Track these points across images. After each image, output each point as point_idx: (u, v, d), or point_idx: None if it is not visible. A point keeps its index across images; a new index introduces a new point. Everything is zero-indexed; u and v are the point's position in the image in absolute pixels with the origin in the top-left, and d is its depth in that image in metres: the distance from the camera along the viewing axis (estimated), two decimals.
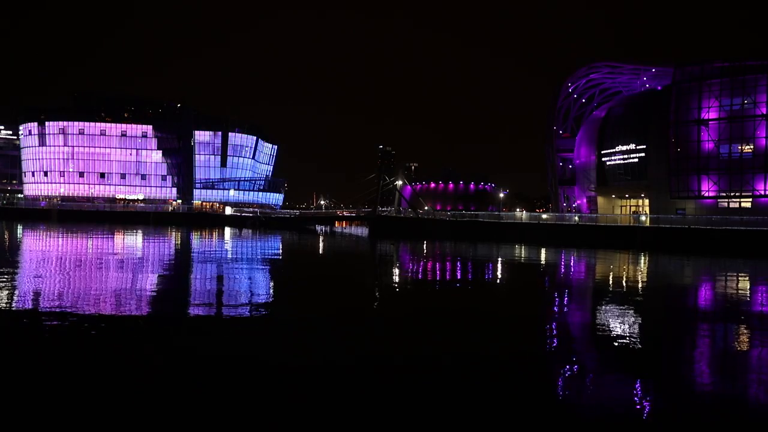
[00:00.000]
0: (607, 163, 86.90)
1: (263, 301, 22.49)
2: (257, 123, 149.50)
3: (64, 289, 22.89)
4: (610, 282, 31.11)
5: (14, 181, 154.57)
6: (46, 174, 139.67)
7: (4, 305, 19.07)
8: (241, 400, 10.33)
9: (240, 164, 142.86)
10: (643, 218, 65.97)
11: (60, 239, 56.18)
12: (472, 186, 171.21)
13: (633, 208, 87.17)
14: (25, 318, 17.24)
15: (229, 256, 42.55)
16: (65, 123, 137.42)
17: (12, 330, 15.69)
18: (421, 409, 10.21)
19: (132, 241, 55.76)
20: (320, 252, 51.31)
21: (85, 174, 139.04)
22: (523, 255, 48.56)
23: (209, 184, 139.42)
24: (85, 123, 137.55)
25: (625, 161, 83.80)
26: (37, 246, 47.91)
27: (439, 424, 9.62)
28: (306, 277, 32.11)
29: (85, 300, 20.37)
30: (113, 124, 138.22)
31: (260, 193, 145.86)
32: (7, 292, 21.80)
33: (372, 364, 13.02)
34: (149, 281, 26.76)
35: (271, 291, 25.46)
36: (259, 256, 42.84)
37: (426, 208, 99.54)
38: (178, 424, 9.41)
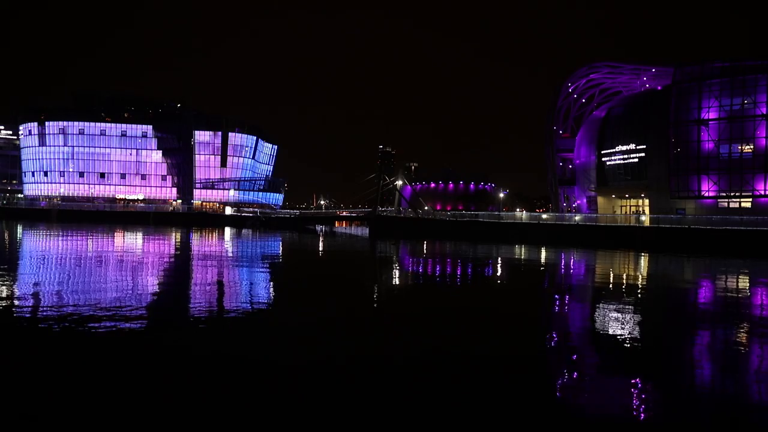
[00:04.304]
0: (607, 163, 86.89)
1: (263, 300, 22.49)
2: (257, 123, 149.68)
3: (63, 289, 22.89)
4: (610, 282, 31.10)
5: (14, 181, 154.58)
6: (46, 174, 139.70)
7: (2, 305, 19.06)
8: (240, 397, 10.34)
9: (240, 164, 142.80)
10: (643, 218, 65.95)
11: (60, 239, 56.17)
12: (472, 186, 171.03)
13: (633, 208, 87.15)
14: (23, 318, 17.23)
15: (230, 256, 42.54)
16: (65, 123, 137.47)
17: (11, 330, 15.69)
18: (421, 407, 10.21)
19: (132, 241, 55.75)
20: (320, 252, 51.31)
21: (85, 174, 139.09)
22: (523, 255, 48.55)
23: (209, 184, 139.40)
24: (85, 123, 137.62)
25: (625, 161, 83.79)
26: (37, 246, 47.91)
27: (439, 421, 9.63)
28: (306, 276, 32.10)
29: (85, 299, 20.35)
30: (113, 124, 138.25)
31: (260, 193, 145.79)
32: (6, 291, 21.80)
33: (372, 363, 13.02)
34: (149, 281, 26.76)
35: (271, 290, 25.46)
36: (259, 256, 42.83)
37: (426, 208, 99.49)
38: (178, 423, 9.42)
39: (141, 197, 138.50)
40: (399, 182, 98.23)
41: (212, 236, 69.80)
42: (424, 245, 58.42)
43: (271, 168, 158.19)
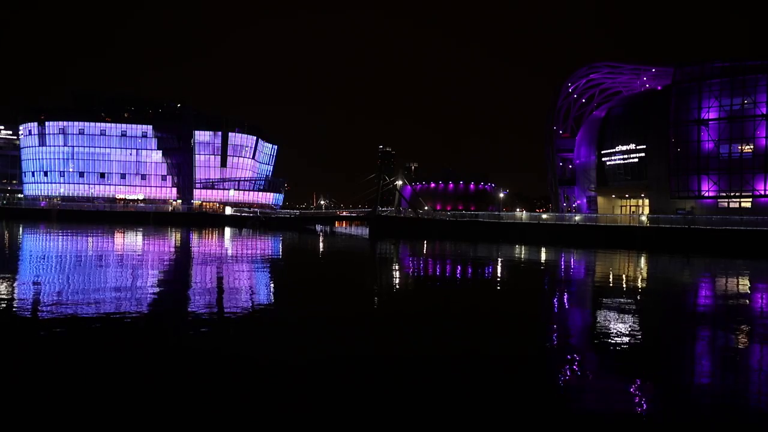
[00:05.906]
0: (607, 163, 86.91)
1: (263, 300, 22.50)
2: (257, 123, 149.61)
3: (63, 288, 22.89)
4: (610, 282, 31.12)
5: (14, 181, 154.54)
6: (46, 174, 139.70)
7: (2, 304, 19.07)
8: (241, 396, 10.35)
9: (240, 164, 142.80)
10: (643, 218, 65.96)
11: (60, 239, 56.16)
12: (472, 186, 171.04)
13: (633, 208, 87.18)
14: (23, 317, 17.23)
15: (230, 256, 42.54)
16: (65, 123, 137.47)
17: (10, 329, 15.70)
18: (421, 407, 10.22)
19: (132, 241, 55.75)
20: (320, 252, 51.31)
21: (85, 174, 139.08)
22: (523, 255, 48.55)
23: (209, 184, 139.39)
24: (85, 123, 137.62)
25: (625, 161, 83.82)
26: (36, 246, 47.90)
27: (440, 421, 9.64)
28: (306, 276, 32.09)
29: (85, 299, 20.36)
30: (113, 124, 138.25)
31: (260, 193, 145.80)
32: (5, 291, 21.80)
33: (374, 363, 13.03)
34: (149, 281, 26.76)
35: (272, 291, 25.47)
36: (259, 256, 42.83)
37: (426, 208, 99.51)
38: (178, 423, 9.43)
39: (141, 197, 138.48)
40: (399, 182, 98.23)
41: (212, 236, 69.80)
42: (424, 245, 58.42)
43: (271, 168, 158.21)
